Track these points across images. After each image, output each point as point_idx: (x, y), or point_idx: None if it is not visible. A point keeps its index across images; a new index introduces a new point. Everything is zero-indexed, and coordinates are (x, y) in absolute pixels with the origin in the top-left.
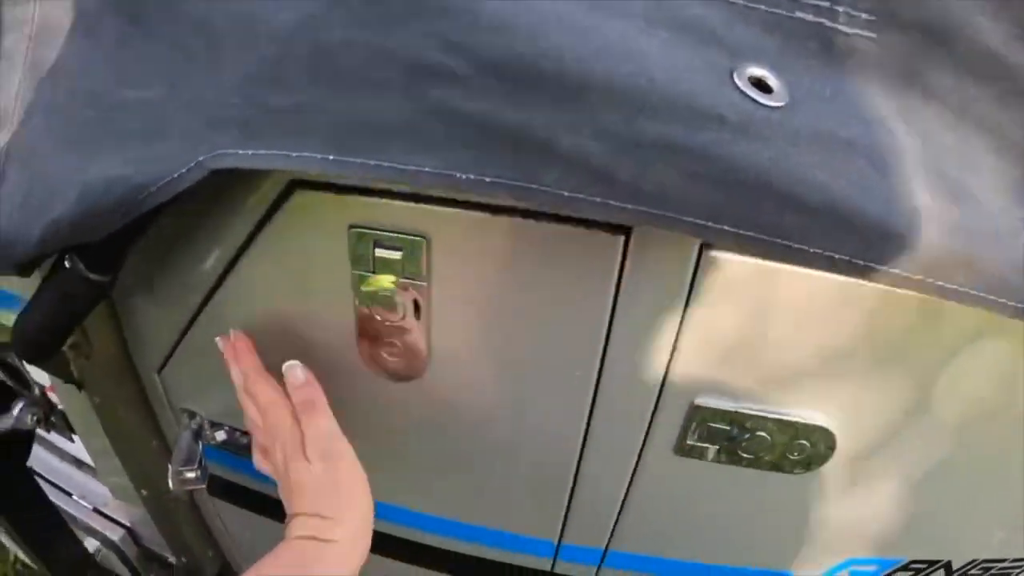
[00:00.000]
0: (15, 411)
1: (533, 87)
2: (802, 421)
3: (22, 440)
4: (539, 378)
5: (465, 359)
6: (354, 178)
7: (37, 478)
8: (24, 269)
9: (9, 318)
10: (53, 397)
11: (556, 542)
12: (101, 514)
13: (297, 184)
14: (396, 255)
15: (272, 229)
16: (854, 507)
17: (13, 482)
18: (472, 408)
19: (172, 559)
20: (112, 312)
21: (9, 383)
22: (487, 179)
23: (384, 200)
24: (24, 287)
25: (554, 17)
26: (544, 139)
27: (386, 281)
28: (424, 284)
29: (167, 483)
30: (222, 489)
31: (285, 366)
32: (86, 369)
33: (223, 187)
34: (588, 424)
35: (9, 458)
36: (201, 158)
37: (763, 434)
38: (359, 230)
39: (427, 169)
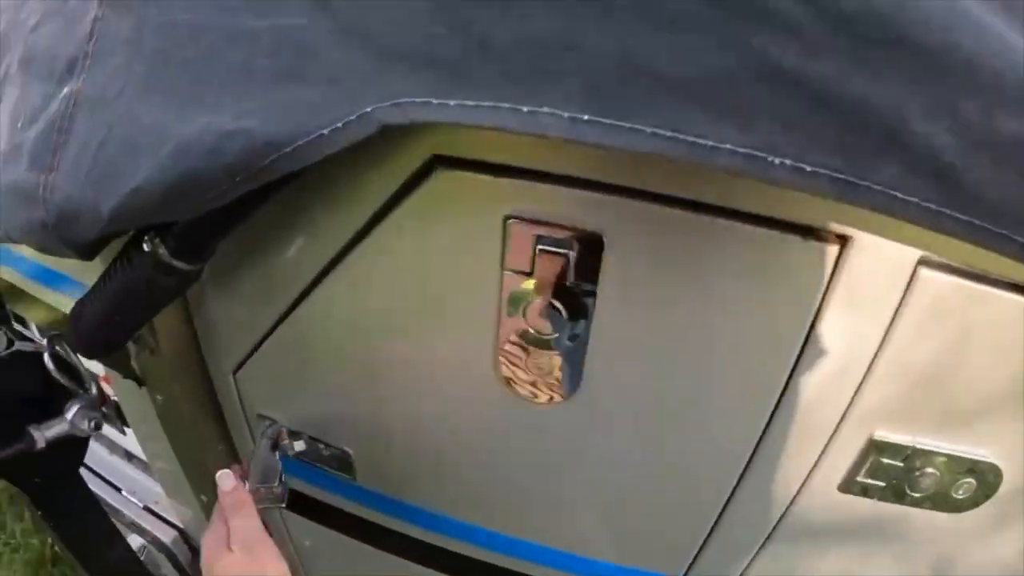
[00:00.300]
0: (69, 414)
1: (890, 53)
2: (973, 457)
3: (75, 444)
4: (711, 399)
5: (625, 379)
6: (603, 147)
7: (84, 470)
8: (87, 250)
9: (60, 300)
10: (106, 387)
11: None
12: (152, 512)
13: (440, 161)
14: (563, 254)
15: (400, 215)
16: (1011, 543)
17: (63, 489)
18: (622, 433)
19: None
20: (183, 304)
21: (62, 381)
22: (807, 167)
23: (550, 186)
24: (81, 268)
25: None
26: (893, 122)
27: (546, 284)
28: (593, 290)
29: None
30: (294, 501)
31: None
32: (150, 365)
33: (339, 159)
34: (753, 453)
35: (60, 464)
36: (370, 108)
37: (933, 470)
38: (517, 222)
39: (731, 147)
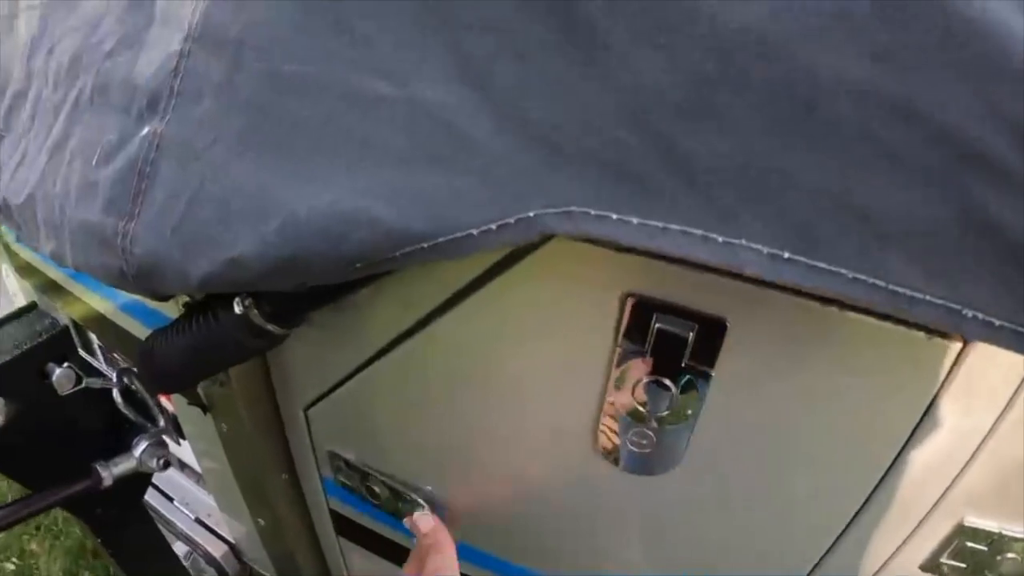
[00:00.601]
0: (137, 451)
1: None
2: None
3: (141, 478)
4: (810, 482)
5: (725, 458)
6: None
7: None
8: (169, 298)
9: (127, 320)
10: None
11: None
12: (203, 525)
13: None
14: (683, 336)
15: (507, 280)
16: None
17: (124, 521)
18: (711, 510)
19: None
20: None
21: (131, 416)
22: (995, 321)
23: (674, 267)
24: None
25: None
26: None
27: (660, 363)
28: (709, 372)
29: (288, 514)
30: (349, 529)
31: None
32: (218, 396)
33: None
34: (841, 534)
35: (124, 498)
36: (532, 213)
37: (1014, 555)
38: (637, 299)
39: (931, 299)
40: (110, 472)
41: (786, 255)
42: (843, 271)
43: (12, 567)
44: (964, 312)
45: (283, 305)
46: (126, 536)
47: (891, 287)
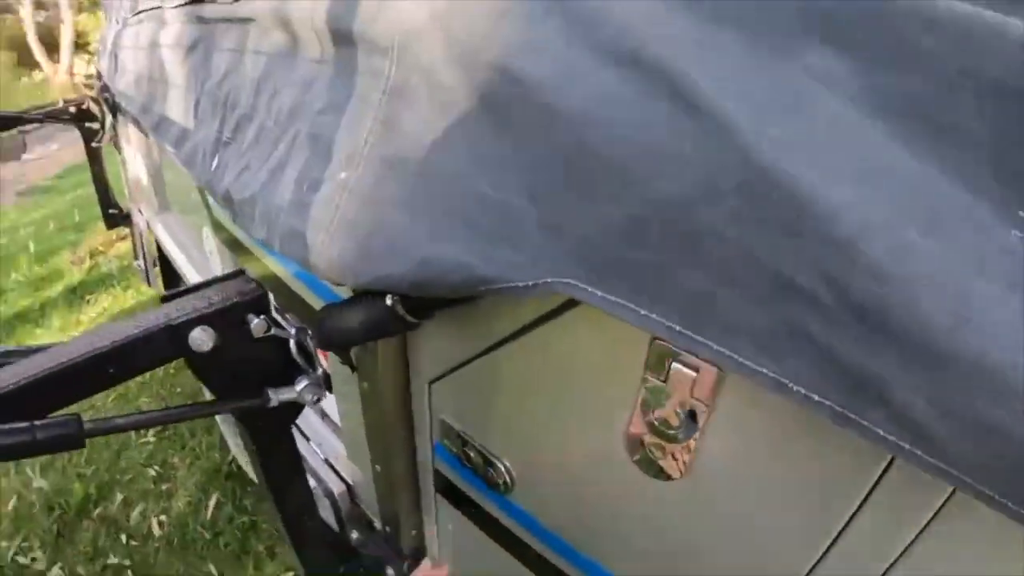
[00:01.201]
0: (299, 387)
1: (889, 342)
2: None
3: (295, 408)
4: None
5: (722, 472)
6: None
7: None
8: (339, 286)
9: (311, 296)
10: (323, 360)
11: None
12: (329, 466)
13: None
14: (690, 375)
15: (578, 313)
16: None
17: (277, 436)
18: (713, 512)
19: (377, 525)
20: None
21: (299, 361)
22: (815, 398)
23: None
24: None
25: (937, 282)
26: (877, 387)
27: (674, 393)
28: (705, 407)
29: (401, 466)
30: (448, 491)
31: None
32: (365, 360)
33: None
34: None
35: (281, 418)
36: (550, 280)
37: None
38: (662, 345)
39: (768, 372)
40: (276, 396)
41: (678, 329)
42: (713, 346)
43: (153, 473)
44: (790, 386)
45: (417, 304)
46: (274, 450)
47: (744, 361)
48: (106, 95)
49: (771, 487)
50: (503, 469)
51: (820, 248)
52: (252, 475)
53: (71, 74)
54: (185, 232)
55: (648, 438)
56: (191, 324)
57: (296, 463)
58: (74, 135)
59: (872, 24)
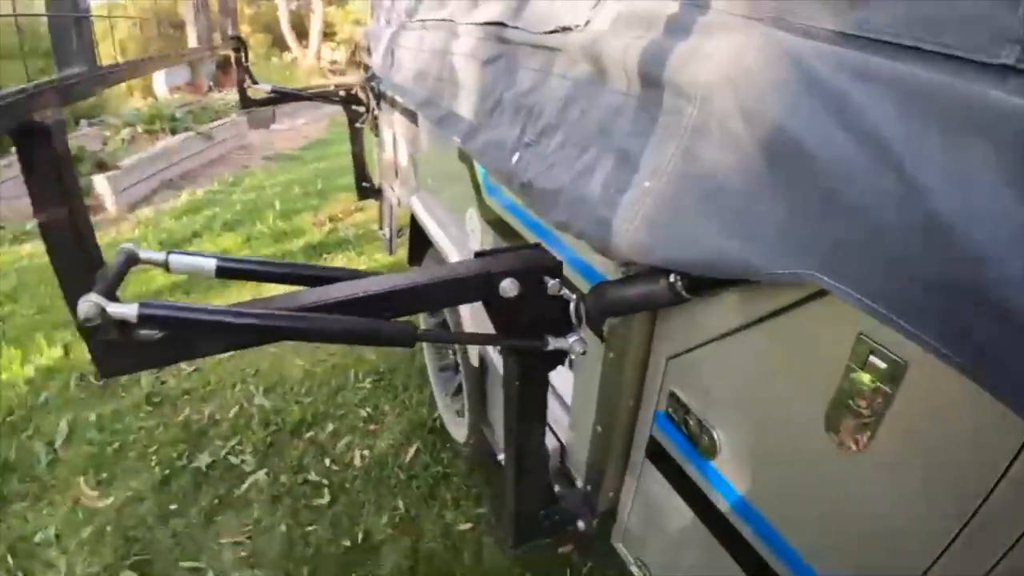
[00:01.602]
0: (570, 340)
1: None
2: None
3: (557, 357)
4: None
5: (899, 455)
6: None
7: None
8: (627, 265)
9: (575, 276)
10: None
11: None
12: (548, 427)
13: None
14: (883, 365)
15: (797, 313)
16: None
17: (540, 381)
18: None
19: (579, 483)
20: None
21: (574, 321)
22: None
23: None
24: (604, 268)
25: None
26: None
27: (868, 380)
28: (891, 392)
29: (620, 428)
30: (658, 455)
31: None
32: (616, 333)
33: None
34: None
35: (546, 363)
36: (802, 271)
37: None
38: (865, 339)
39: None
40: (553, 343)
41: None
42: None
43: (364, 414)
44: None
45: (700, 283)
46: (533, 388)
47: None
48: (372, 84)
49: (940, 466)
50: (715, 436)
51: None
52: (454, 434)
53: (318, 59)
54: (443, 210)
55: (845, 420)
56: (504, 275)
57: (543, 405)
58: (319, 113)
59: None
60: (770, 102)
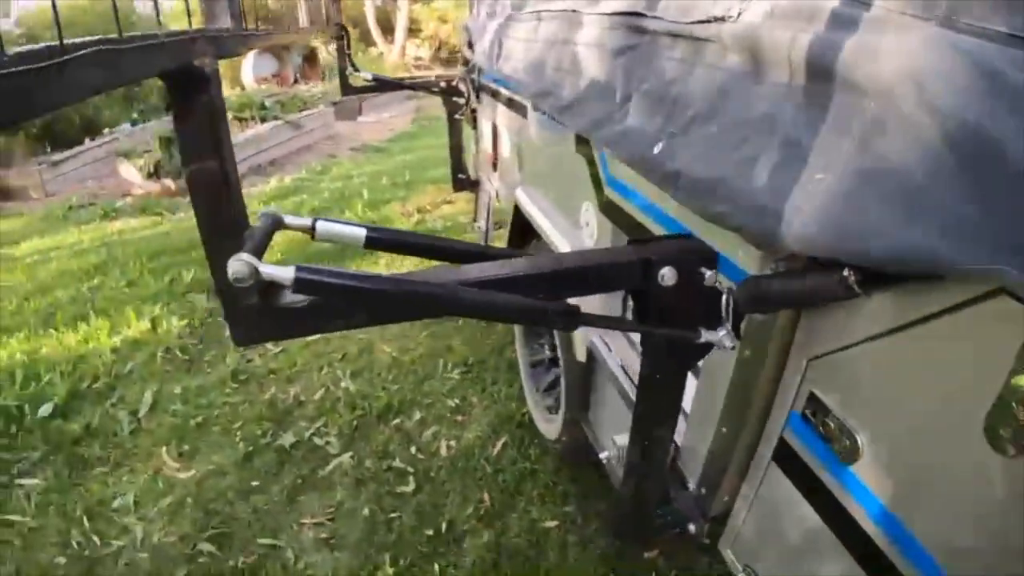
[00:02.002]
0: (720, 334)
1: None
2: None
3: (702, 349)
4: None
5: None
6: None
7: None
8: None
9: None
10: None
11: None
12: None
13: (1004, 291)
14: None
15: (952, 318)
16: None
17: (681, 371)
18: None
19: (691, 486)
20: None
21: (724, 315)
22: None
23: None
24: (747, 262)
25: None
26: None
27: None
28: None
29: (748, 430)
30: (785, 456)
31: None
32: (755, 330)
33: None
34: None
35: (691, 355)
36: (986, 266)
37: None
38: None
39: None
40: (705, 335)
41: None
42: None
43: (452, 404)
44: None
45: (875, 276)
46: (673, 379)
47: None
48: (472, 77)
49: None
50: (859, 440)
51: None
52: (544, 431)
53: (403, 55)
54: (552, 202)
55: (1006, 427)
56: (663, 263)
57: (679, 400)
58: (406, 107)
59: None
60: (955, 99)
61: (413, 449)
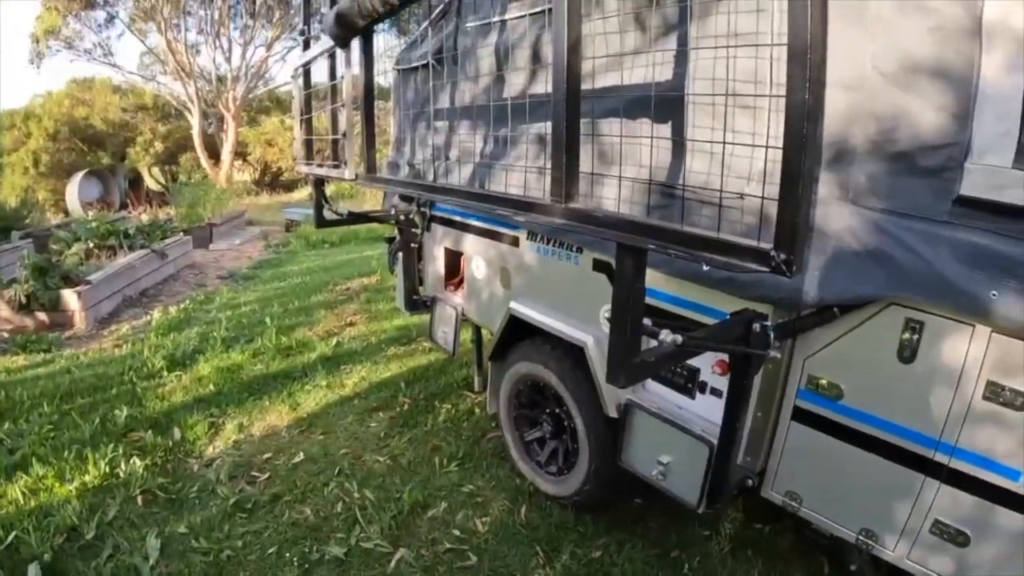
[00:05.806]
0: (772, 352)
1: None
2: None
3: (758, 360)
4: None
5: None
6: None
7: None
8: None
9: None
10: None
11: None
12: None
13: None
14: None
15: (881, 316)
16: None
17: (747, 376)
18: None
19: (740, 457)
20: None
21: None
22: None
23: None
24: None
25: None
26: None
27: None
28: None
29: (772, 408)
30: (803, 414)
31: None
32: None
33: None
34: None
35: (754, 367)
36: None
37: None
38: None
39: None
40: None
41: None
42: None
43: (467, 491)
44: None
45: (841, 308)
46: (745, 385)
47: None
48: (423, 210)
49: None
50: (840, 387)
51: None
52: (554, 492)
53: (229, 180)
54: (562, 310)
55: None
56: (756, 319)
57: (745, 402)
58: (250, 233)
59: None
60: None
61: (456, 532)
